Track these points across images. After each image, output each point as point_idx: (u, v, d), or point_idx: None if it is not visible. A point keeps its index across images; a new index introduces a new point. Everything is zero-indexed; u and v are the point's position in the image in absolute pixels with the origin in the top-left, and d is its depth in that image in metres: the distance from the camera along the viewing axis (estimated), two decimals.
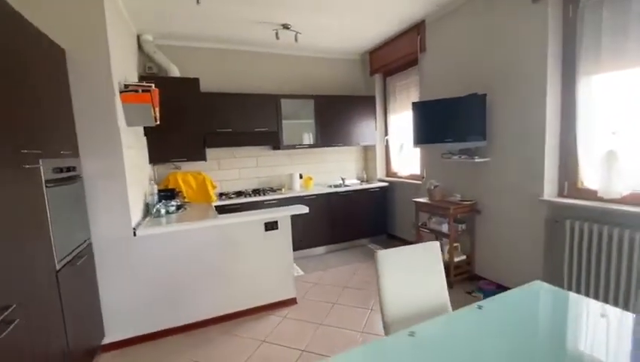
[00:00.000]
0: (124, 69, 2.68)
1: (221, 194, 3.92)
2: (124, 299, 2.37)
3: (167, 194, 3.11)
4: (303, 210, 2.96)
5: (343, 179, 4.62)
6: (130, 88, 2.46)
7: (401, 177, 4.50)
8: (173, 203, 2.97)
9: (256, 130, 3.95)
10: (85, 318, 2.08)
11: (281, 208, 3.01)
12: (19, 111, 1.48)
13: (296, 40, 3.65)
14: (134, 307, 2.40)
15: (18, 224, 1.40)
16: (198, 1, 2.56)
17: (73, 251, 1.94)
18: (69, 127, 2.09)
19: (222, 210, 3.55)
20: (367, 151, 4.99)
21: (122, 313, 2.37)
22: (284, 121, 4.10)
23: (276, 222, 2.81)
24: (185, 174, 3.57)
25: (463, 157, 3.10)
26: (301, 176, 4.44)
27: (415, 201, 3.49)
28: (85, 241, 2.15)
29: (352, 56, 4.79)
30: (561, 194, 2.60)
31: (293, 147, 4.21)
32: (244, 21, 3.35)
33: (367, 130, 4.62)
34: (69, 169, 1.98)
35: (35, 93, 1.66)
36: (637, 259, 2.03)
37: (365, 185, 4.46)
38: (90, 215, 2.23)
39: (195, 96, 3.60)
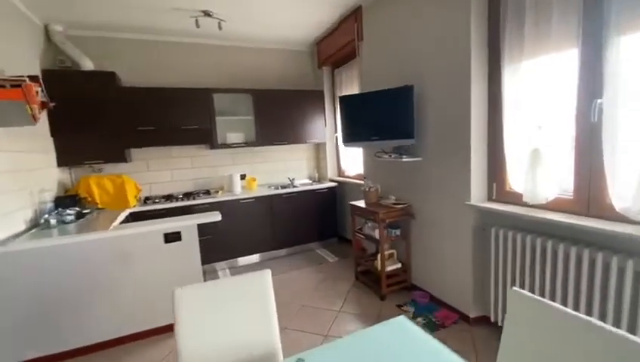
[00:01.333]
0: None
1: (147, 199, 3.62)
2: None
3: (67, 201, 2.80)
4: (215, 217, 2.67)
5: (291, 180, 4.33)
6: None
7: (348, 177, 4.21)
8: (70, 211, 2.66)
9: (185, 127, 3.63)
10: None
11: (192, 216, 2.71)
12: None
13: (220, 28, 3.33)
14: (14, 330, 2.11)
15: None
16: None
17: None
18: None
19: (141, 216, 3.26)
20: (320, 150, 4.69)
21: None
22: (218, 118, 3.78)
23: (179, 233, 2.51)
24: (100, 178, 3.26)
25: (393, 156, 2.81)
26: (243, 177, 4.14)
27: (350, 205, 3.20)
28: None
29: (299, 47, 4.46)
30: (490, 198, 2.31)
31: (228, 146, 3.90)
32: (163, 7, 3.01)
33: (316, 127, 4.32)
34: None
35: None
36: (561, 271, 1.76)
37: (313, 186, 4.16)
38: None
39: (111, 92, 3.28)
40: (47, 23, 3.16)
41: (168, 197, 3.64)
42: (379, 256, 2.88)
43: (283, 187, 4.10)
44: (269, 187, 4.17)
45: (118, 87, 3.39)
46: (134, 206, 3.32)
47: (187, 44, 3.90)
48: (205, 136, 3.72)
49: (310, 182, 4.51)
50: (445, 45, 2.35)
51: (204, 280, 3.37)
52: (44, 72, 3.05)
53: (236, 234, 3.74)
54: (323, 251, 4.17)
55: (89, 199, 3.13)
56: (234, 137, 3.95)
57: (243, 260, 3.84)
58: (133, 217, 3.25)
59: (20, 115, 2.28)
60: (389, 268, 2.91)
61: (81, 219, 2.74)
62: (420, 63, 2.61)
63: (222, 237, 3.66)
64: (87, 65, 3.29)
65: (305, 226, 4.12)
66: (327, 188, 4.21)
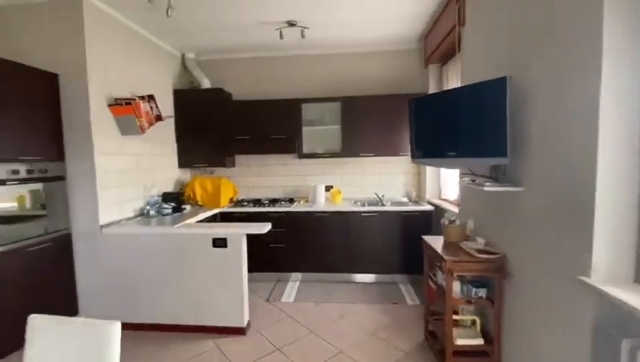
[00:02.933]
0: (127, 85, 3.05)
1: (241, 201, 3.96)
2: (96, 286, 2.72)
3: (171, 197, 3.38)
4: (262, 228, 2.59)
5: (380, 197, 3.80)
6: (117, 102, 2.80)
7: (446, 200, 3.30)
8: (166, 206, 3.20)
9: (274, 137, 3.77)
10: (55, 293, 2.52)
11: (242, 224, 2.74)
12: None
13: (302, 36, 3.25)
14: (104, 294, 2.72)
15: None
16: (168, 14, 2.64)
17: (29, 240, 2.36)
18: (57, 137, 2.57)
19: (226, 217, 3.60)
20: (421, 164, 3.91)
21: (93, 297, 2.73)
22: (305, 128, 3.74)
23: (225, 240, 2.57)
24: (204, 179, 3.80)
25: (477, 180, 1.93)
26: (329, 189, 3.94)
27: (422, 239, 2.45)
28: (61, 231, 2.60)
29: (398, 45, 3.85)
30: (638, 279, 1.21)
31: (312, 156, 3.79)
32: (250, 24, 3.22)
33: None
34: (43, 170, 2.43)
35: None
36: None
37: (403, 207, 3.50)
38: (72, 209, 2.67)
39: (217, 105, 3.79)
40: (183, 52, 3.96)
41: (256, 202, 3.87)
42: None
43: (370, 204, 3.64)
44: (355, 202, 3.79)
45: (223, 101, 3.87)
46: (224, 207, 3.69)
47: (278, 58, 4.06)
48: (292, 146, 3.75)
49: (406, 201, 3.83)
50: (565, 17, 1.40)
51: (275, 287, 3.40)
52: (176, 91, 3.83)
53: (308, 247, 3.58)
54: (406, 288, 3.44)
55: (192, 197, 3.70)
56: (319, 147, 3.81)
57: (315, 276, 3.63)
58: (222, 217, 3.62)
59: (132, 127, 2.88)
60: (462, 342, 2.03)
61: (176, 213, 3.26)
62: (528, 47, 1.68)
63: (294, 247, 3.59)
64: (205, 83, 3.92)
65: (389, 254, 3.51)
66: (420, 211, 3.45)
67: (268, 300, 3.23)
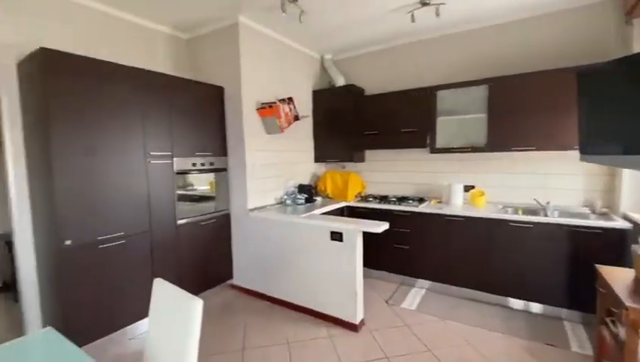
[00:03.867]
0: (277, 90, 3.50)
1: (368, 196, 3.92)
2: (244, 259, 3.33)
3: (305, 189, 3.70)
4: (378, 227, 2.49)
5: (543, 205, 2.94)
6: (262, 105, 3.27)
7: None
8: (300, 196, 3.54)
9: (404, 130, 3.51)
10: (218, 257, 3.25)
11: (359, 221, 2.69)
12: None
13: (437, 14, 2.84)
14: (249, 267, 3.29)
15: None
16: (300, 19, 2.85)
17: (203, 215, 3.10)
18: (222, 137, 3.26)
19: (352, 211, 3.66)
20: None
21: (241, 267, 3.35)
22: (440, 118, 3.31)
23: (341, 234, 2.60)
24: (335, 173, 3.96)
25: None
26: (468, 189, 3.37)
27: (596, 269, 1.70)
28: (223, 210, 3.30)
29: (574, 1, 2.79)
30: None
31: (449, 150, 3.30)
32: (381, 13, 3.09)
33: None
34: (211, 163, 3.15)
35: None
36: None
37: (582, 221, 2.57)
38: (230, 194, 3.34)
39: (349, 101, 3.86)
40: (322, 54, 4.23)
41: (383, 199, 3.75)
42: None
43: (526, 212, 2.90)
44: (502, 208, 3.09)
45: (354, 96, 3.89)
46: (351, 201, 3.76)
47: (408, 45, 3.74)
48: (424, 139, 3.40)
49: (586, 212, 2.83)
50: None
51: (397, 290, 3.27)
52: (314, 91, 4.14)
53: (437, 253, 3.18)
54: (573, 328, 2.54)
55: (323, 189, 3.94)
56: (456, 140, 3.29)
57: (443, 287, 3.20)
58: (348, 210, 3.71)
59: (275, 127, 3.31)
60: None
61: (308, 204, 3.56)
62: None
63: (420, 251, 3.27)
64: (340, 81, 4.05)
65: (551, 279, 2.68)
66: (608, 228, 2.45)
67: (387, 302, 3.08)
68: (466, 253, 3.03)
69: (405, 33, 3.57)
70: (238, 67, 3.09)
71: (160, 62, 3.23)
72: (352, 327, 2.59)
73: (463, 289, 3.09)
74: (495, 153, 3.16)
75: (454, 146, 3.29)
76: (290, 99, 3.47)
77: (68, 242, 2.15)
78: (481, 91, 3.09)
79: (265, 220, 3.10)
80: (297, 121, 3.58)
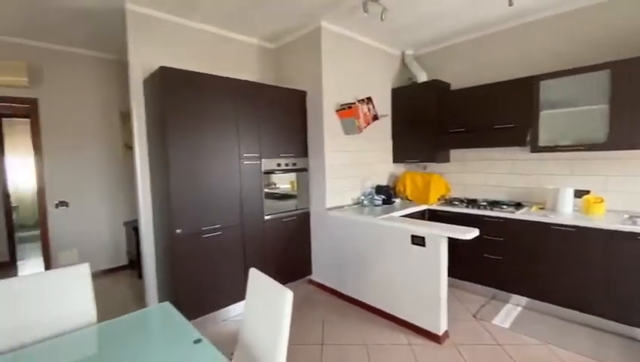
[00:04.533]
0: (355, 91, 3.52)
1: (453, 200, 3.63)
2: (322, 256, 3.42)
3: (383, 190, 3.62)
4: (466, 234, 2.30)
5: None
6: (341, 107, 3.32)
7: None
8: (377, 197, 3.48)
9: (498, 126, 3.16)
10: (298, 253, 3.42)
11: (444, 226, 2.51)
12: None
13: None
14: (327, 264, 3.38)
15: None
16: (382, 17, 2.80)
17: (285, 212, 3.28)
18: (304, 139, 3.41)
19: (434, 215, 3.46)
20: None
21: (321, 265, 3.45)
22: (544, 112, 2.88)
23: (423, 238, 2.47)
24: (414, 174, 3.77)
25: None
26: (580, 194, 2.87)
27: None
28: (304, 209, 3.44)
29: None
30: None
31: (555, 149, 2.84)
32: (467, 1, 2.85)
33: None
34: (294, 164, 3.32)
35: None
36: None
37: None
38: (310, 193, 3.47)
39: (431, 98, 3.65)
40: (402, 50, 4.08)
41: (471, 202, 3.43)
42: None
43: None
44: (629, 217, 2.54)
45: (437, 92, 3.66)
46: (433, 204, 3.54)
47: (501, 33, 3.35)
48: (521, 136, 3.00)
49: None
50: None
51: (487, 304, 3.02)
52: (393, 90, 4.03)
53: (537, 267, 2.77)
54: None
55: (402, 191, 3.80)
56: (564, 137, 2.81)
57: (546, 307, 2.77)
58: (430, 214, 3.51)
59: (353, 127, 3.34)
60: None
61: (386, 205, 3.48)
62: None
63: (516, 263, 2.90)
64: (422, 77, 3.86)
65: None
66: None
67: (475, 316, 2.82)
68: (576, 269, 2.58)
69: (499, 19, 3.22)
70: (320, 70, 3.20)
71: (249, 72, 3.55)
72: (435, 338, 2.44)
73: (571, 311, 2.63)
74: (617, 152, 2.62)
75: (562, 144, 2.82)
76: (369, 98, 3.44)
77: (179, 231, 2.52)
78: (601, 78, 2.58)
79: (343, 220, 3.14)
80: (376, 121, 3.53)
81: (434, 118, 3.63)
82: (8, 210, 4.58)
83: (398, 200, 3.67)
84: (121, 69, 3.95)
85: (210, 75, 2.69)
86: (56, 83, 3.68)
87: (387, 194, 3.59)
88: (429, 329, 2.47)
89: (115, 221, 4.16)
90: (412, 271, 2.56)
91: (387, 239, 2.74)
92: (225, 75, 2.81)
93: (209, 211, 2.70)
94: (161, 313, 1.66)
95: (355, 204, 3.55)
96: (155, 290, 2.97)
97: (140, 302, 3.17)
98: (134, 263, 3.95)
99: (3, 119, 4.65)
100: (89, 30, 3.25)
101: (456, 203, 3.47)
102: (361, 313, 2.92)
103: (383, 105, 3.86)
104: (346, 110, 3.29)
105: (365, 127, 3.38)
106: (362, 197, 3.52)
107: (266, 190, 3.13)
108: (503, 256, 2.97)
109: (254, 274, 1.50)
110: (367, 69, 3.69)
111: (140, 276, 3.34)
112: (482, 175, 3.64)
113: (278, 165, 3.19)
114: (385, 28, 3.32)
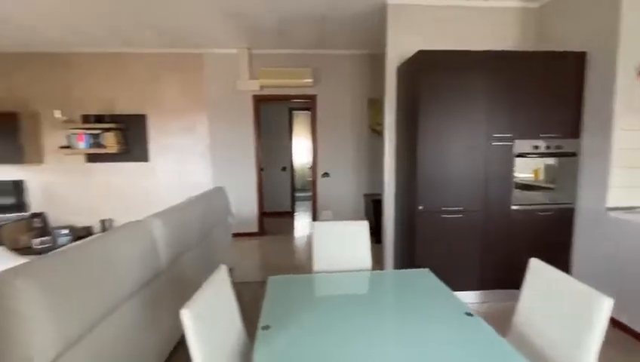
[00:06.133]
0: None
1: None
2: (591, 268, 2.65)
3: None
4: None
5: None
6: None
7: None
8: None
9: None
10: (552, 256, 2.80)
11: None
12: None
13: None
14: (593, 276, 2.59)
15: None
16: None
17: (538, 205, 2.75)
18: (575, 115, 2.68)
19: None
20: None
21: (584, 274, 2.68)
22: None
23: None
24: None
25: None
26: None
27: None
28: (565, 204, 2.76)
29: None
30: None
31: None
32: None
33: None
34: (557, 146, 2.69)
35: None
36: None
37: None
38: (579, 185, 2.72)
39: None
40: None
41: None
42: None
43: None
44: None
45: None
46: None
47: None
48: None
49: None
50: None
51: None
52: None
53: None
54: None
55: None
56: None
57: None
58: None
59: None
60: None
61: None
62: None
63: None
64: None
65: None
66: None
67: None
68: None
69: None
70: (617, 17, 2.35)
71: (504, 40, 3.14)
72: None
73: None
74: None
75: None
76: None
77: (420, 207, 2.67)
78: None
79: (636, 226, 2.27)
80: None
81: None
82: (292, 177, 6.52)
83: None
84: (371, 60, 4.60)
85: (463, 51, 2.58)
86: (328, 80, 4.74)
87: None
88: None
89: (357, 193, 4.99)
90: None
91: None
92: (479, 49, 2.62)
93: (450, 192, 2.68)
94: (424, 278, 1.75)
95: None
96: (392, 255, 3.35)
97: (377, 264, 3.67)
98: (373, 230, 4.62)
99: (293, 112, 6.57)
100: (351, 33, 3.92)
101: None
102: None
103: None
104: None
105: None
106: None
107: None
108: None
109: (538, 265, 1.35)
110: None
111: (377, 241, 3.86)
112: None
113: (535, 147, 2.69)
114: None
